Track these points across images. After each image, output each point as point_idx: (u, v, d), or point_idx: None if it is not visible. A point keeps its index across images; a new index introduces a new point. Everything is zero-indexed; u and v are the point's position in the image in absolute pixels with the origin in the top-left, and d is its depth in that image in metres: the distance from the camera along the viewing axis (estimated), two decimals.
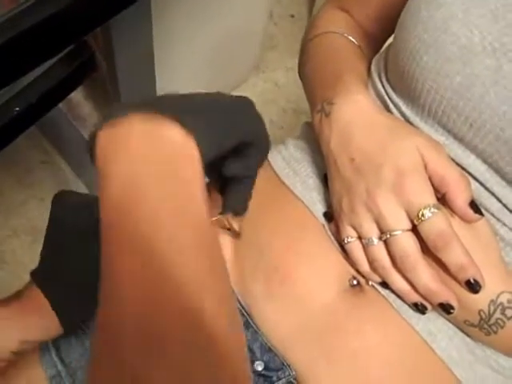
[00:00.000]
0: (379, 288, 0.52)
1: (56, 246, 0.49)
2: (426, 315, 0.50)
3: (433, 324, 0.51)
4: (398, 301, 0.51)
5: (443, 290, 0.47)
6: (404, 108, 0.54)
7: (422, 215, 0.46)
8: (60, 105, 1.37)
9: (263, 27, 1.62)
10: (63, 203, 0.49)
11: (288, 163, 0.61)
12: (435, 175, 0.48)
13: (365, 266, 0.51)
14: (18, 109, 0.70)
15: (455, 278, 0.47)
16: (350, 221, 0.51)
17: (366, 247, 0.51)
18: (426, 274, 0.47)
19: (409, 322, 0.51)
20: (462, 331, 0.51)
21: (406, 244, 0.48)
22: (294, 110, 1.68)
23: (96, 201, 0.34)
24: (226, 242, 0.58)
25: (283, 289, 0.53)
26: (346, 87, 0.55)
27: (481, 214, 0.47)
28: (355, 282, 0.52)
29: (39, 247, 0.50)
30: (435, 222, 0.46)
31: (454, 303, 0.47)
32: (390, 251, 0.49)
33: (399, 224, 0.48)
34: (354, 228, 0.51)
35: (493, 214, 0.50)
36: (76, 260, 0.48)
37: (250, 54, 1.68)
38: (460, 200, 0.47)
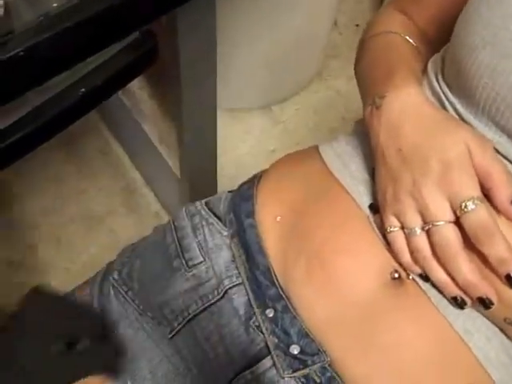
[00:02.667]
0: (420, 282, 0.52)
1: None
2: (465, 313, 0.50)
3: (471, 322, 0.50)
4: (438, 296, 0.51)
5: (483, 284, 0.47)
6: (459, 106, 0.54)
7: (466, 207, 0.46)
8: (122, 96, 1.42)
9: (327, 35, 1.63)
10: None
11: (339, 156, 0.62)
12: (480, 170, 0.48)
13: (406, 257, 0.51)
14: (83, 90, 0.74)
15: (495, 273, 0.47)
16: (393, 210, 0.51)
17: (408, 237, 0.51)
18: (466, 266, 0.47)
19: (447, 318, 0.50)
20: (502, 331, 0.51)
21: (449, 235, 0.48)
22: (354, 119, 1.68)
23: None
24: (270, 226, 0.60)
25: (323, 276, 0.54)
26: (397, 82, 0.55)
27: None
28: (396, 276, 0.52)
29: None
30: (478, 214, 0.46)
31: (494, 298, 0.47)
32: (431, 242, 0.49)
33: (443, 215, 0.48)
34: (398, 217, 0.51)
35: None
36: None
37: (312, 61, 1.69)
38: (503, 196, 0.47)
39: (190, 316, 0.59)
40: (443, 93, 0.56)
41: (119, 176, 1.56)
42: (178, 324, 0.59)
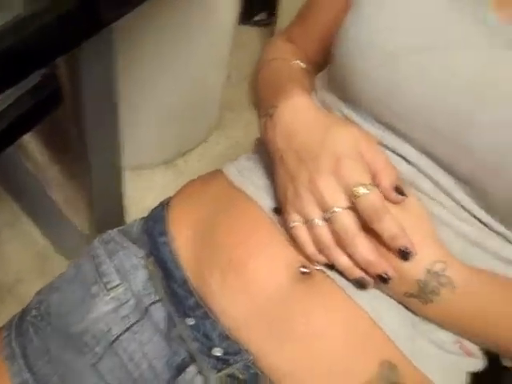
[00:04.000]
0: (327, 271, 0.56)
1: None
2: (372, 295, 0.55)
3: (378, 303, 0.55)
4: (345, 282, 0.55)
5: (380, 261, 0.52)
6: (345, 110, 0.61)
7: (358, 192, 0.52)
8: (26, 164, 1.41)
9: (222, 88, 1.70)
10: None
11: (240, 171, 0.66)
12: (367, 161, 0.54)
13: (310, 248, 0.56)
14: None
15: (390, 250, 0.52)
16: (294, 207, 0.56)
17: (310, 229, 0.55)
18: (364, 247, 0.52)
19: (356, 301, 0.55)
20: (406, 308, 0.55)
21: (345, 220, 0.53)
22: None
23: None
24: (183, 241, 0.63)
25: (237, 279, 0.57)
26: (287, 93, 0.61)
27: (404, 195, 0.53)
28: (304, 270, 0.56)
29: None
30: (369, 197, 0.51)
31: (391, 273, 0.52)
32: (332, 230, 0.54)
33: (338, 202, 0.53)
34: (299, 213, 0.56)
35: (428, 195, 0.56)
36: None
37: (211, 113, 1.75)
38: (387, 182, 0.53)
39: (113, 338, 0.60)
40: (330, 100, 0.63)
41: (29, 244, 1.54)
42: (101, 348, 0.60)
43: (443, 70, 0.53)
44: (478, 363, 0.60)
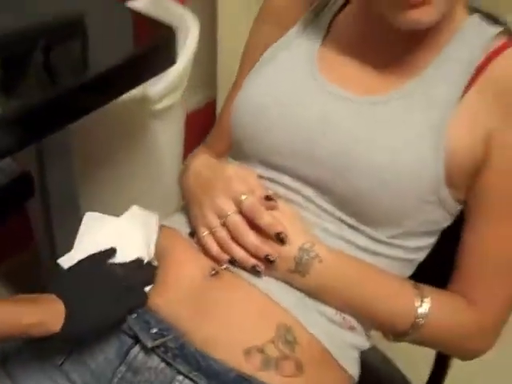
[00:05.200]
0: (231, 268, 0.75)
1: None
2: (267, 280, 0.74)
3: (272, 284, 0.74)
4: (246, 274, 0.75)
5: (264, 245, 0.73)
6: (235, 161, 0.84)
7: (241, 199, 0.74)
8: None
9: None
10: None
11: (171, 218, 0.88)
12: (245, 182, 0.76)
13: (215, 249, 0.76)
14: None
15: (270, 238, 0.73)
16: (202, 222, 0.77)
17: (214, 235, 0.76)
18: (251, 237, 0.74)
19: (256, 286, 0.74)
20: (293, 287, 0.75)
21: (236, 219, 0.74)
22: None
23: None
24: None
25: (164, 279, 0.77)
26: (196, 154, 0.89)
27: (274, 201, 0.75)
28: (214, 272, 0.76)
29: None
30: (249, 200, 0.74)
31: (274, 254, 0.73)
32: (228, 231, 0.75)
33: (229, 208, 0.75)
34: (205, 226, 0.77)
35: (298, 204, 0.77)
36: None
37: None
38: (258, 193, 0.75)
39: None
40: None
41: None
42: (68, 351, 0.76)
43: (294, 116, 0.78)
44: (362, 341, 0.79)
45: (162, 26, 1.07)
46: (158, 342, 0.72)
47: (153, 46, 1.05)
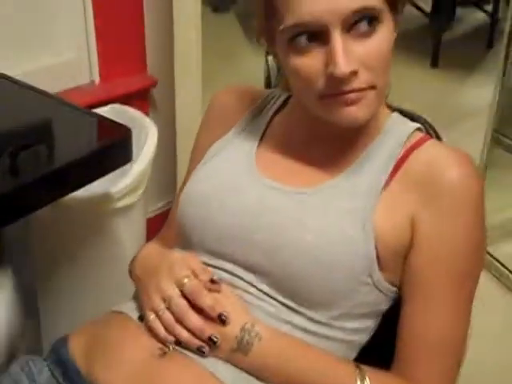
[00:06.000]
0: (178, 348, 0.77)
1: None
2: (213, 360, 0.76)
3: (218, 364, 0.76)
4: (192, 355, 0.77)
5: (207, 328, 0.76)
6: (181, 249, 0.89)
7: (184, 282, 0.78)
8: None
9: None
10: None
11: (122, 304, 0.90)
12: (188, 266, 0.81)
13: (162, 332, 0.78)
14: None
15: (213, 320, 0.76)
16: (149, 306, 0.80)
17: (160, 319, 0.78)
18: (194, 319, 0.76)
19: (200, 364, 0.76)
20: (237, 368, 0.77)
21: (179, 302, 0.77)
22: None
23: None
24: (77, 349, 0.85)
25: (113, 363, 0.79)
26: (144, 246, 0.96)
27: (217, 284, 0.79)
28: (161, 352, 0.78)
29: None
30: (190, 283, 0.78)
31: (217, 335, 0.75)
32: (173, 313, 0.78)
33: (172, 292, 0.78)
34: (151, 310, 0.80)
35: (241, 289, 0.81)
36: None
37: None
38: (202, 276, 0.79)
39: None
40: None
41: None
42: None
43: (232, 204, 0.83)
44: None
45: (120, 126, 1.18)
46: None
47: (111, 144, 1.15)
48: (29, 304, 1.23)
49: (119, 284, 1.68)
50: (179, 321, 0.78)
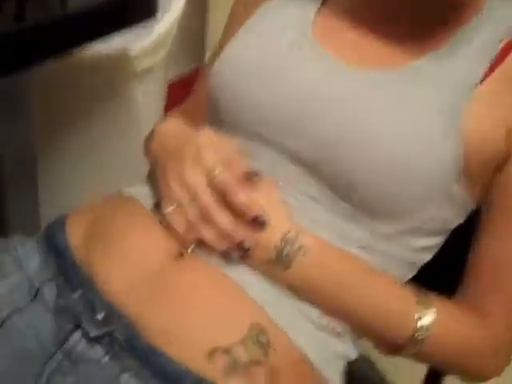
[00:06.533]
0: (200, 252, 0.63)
1: None
2: (241, 269, 0.63)
3: (247, 275, 0.63)
4: (217, 259, 0.63)
5: (239, 230, 0.61)
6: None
7: (215, 173, 0.62)
8: None
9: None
10: None
11: (132, 187, 0.76)
12: (220, 152, 0.65)
13: (181, 228, 0.63)
14: None
15: (247, 222, 0.61)
16: (167, 196, 0.65)
17: (180, 212, 0.64)
18: (223, 219, 0.62)
19: (225, 272, 0.62)
20: (271, 281, 0.63)
21: (206, 197, 0.62)
22: None
23: None
24: (76, 231, 0.71)
25: (120, 259, 0.65)
26: (165, 120, 0.78)
27: (256, 178, 0.64)
28: (178, 254, 0.64)
29: None
30: (222, 175, 0.62)
31: (250, 241, 0.61)
32: (197, 208, 0.63)
33: (199, 183, 0.63)
34: (170, 200, 0.65)
35: (283, 184, 0.65)
36: None
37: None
38: (236, 167, 0.64)
39: (3, 318, 0.65)
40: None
41: None
42: None
43: (281, 81, 0.67)
44: (350, 350, 0.67)
45: None
46: (101, 333, 0.60)
47: None
48: (27, 175, 1.06)
49: (131, 162, 1.56)
50: (204, 217, 0.63)
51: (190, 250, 0.63)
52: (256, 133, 0.67)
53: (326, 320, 0.65)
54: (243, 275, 0.63)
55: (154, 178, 0.72)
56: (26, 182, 1.08)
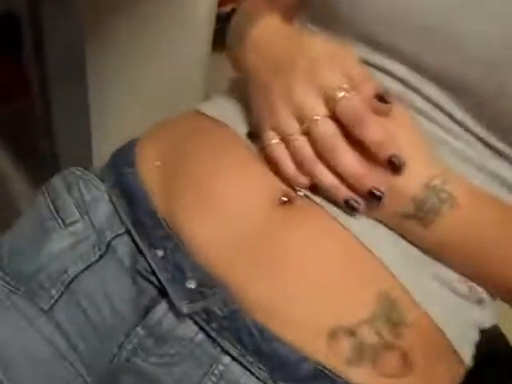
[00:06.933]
0: (313, 197, 0.50)
1: None
2: (366, 222, 0.49)
3: (373, 230, 0.49)
4: (334, 208, 0.49)
5: (369, 173, 0.47)
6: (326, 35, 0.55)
7: (336, 97, 0.47)
8: None
9: (204, 73, 1.60)
10: None
11: (215, 103, 0.62)
12: (344, 68, 0.49)
13: (290, 168, 0.50)
14: None
15: (379, 162, 0.47)
16: (270, 123, 0.51)
17: (288, 146, 0.50)
18: (349, 158, 0.47)
19: (346, 227, 0.49)
20: (400, 235, 0.50)
21: (326, 128, 0.48)
22: None
23: None
24: (151, 172, 0.57)
25: (210, 205, 0.52)
26: (261, 16, 0.58)
27: (389, 103, 0.48)
28: (285, 198, 0.50)
29: None
30: (348, 100, 0.47)
31: (383, 188, 0.47)
32: (312, 143, 0.49)
33: (316, 109, 0.48)
34: (276, 129, 0.51)
35: (419, 111, 0.51)
36: None
37: (194, 99, 1.66)
38: (366, 88, 0.48)
39: (70, 278, 0.53)
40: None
41: None
42: (57, 291, 0.53)
43: None
44: (490, 317, 0.54)
45: None
46: (195, 307, 0.48)
47: None
48: (76, 65, 0.90)
49: (188, 42, 1.41)
50: (321, 156, 0.48)
51: (299, 195, 0.50)
52: (379, 38, 0.51)
53: (466, 285, 0.51)
54: (368, 229, 0.49)
55: (243, 94, 0.57)
56: (75, 72, 0.93)
